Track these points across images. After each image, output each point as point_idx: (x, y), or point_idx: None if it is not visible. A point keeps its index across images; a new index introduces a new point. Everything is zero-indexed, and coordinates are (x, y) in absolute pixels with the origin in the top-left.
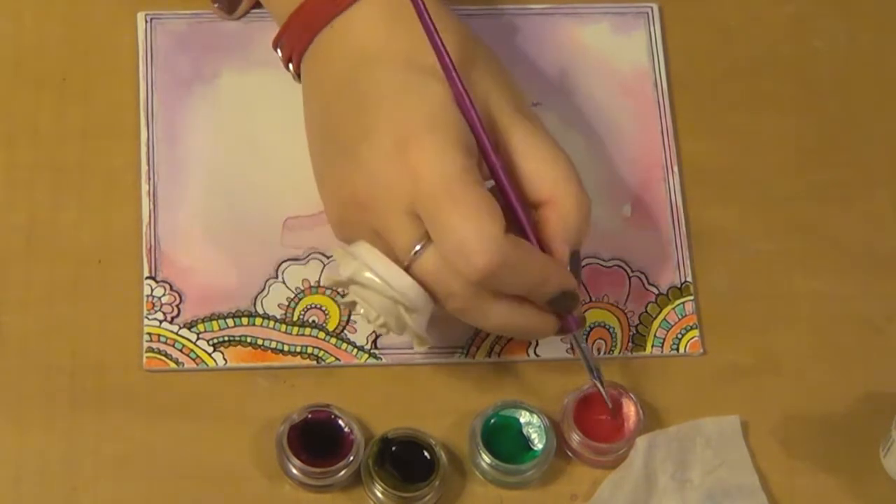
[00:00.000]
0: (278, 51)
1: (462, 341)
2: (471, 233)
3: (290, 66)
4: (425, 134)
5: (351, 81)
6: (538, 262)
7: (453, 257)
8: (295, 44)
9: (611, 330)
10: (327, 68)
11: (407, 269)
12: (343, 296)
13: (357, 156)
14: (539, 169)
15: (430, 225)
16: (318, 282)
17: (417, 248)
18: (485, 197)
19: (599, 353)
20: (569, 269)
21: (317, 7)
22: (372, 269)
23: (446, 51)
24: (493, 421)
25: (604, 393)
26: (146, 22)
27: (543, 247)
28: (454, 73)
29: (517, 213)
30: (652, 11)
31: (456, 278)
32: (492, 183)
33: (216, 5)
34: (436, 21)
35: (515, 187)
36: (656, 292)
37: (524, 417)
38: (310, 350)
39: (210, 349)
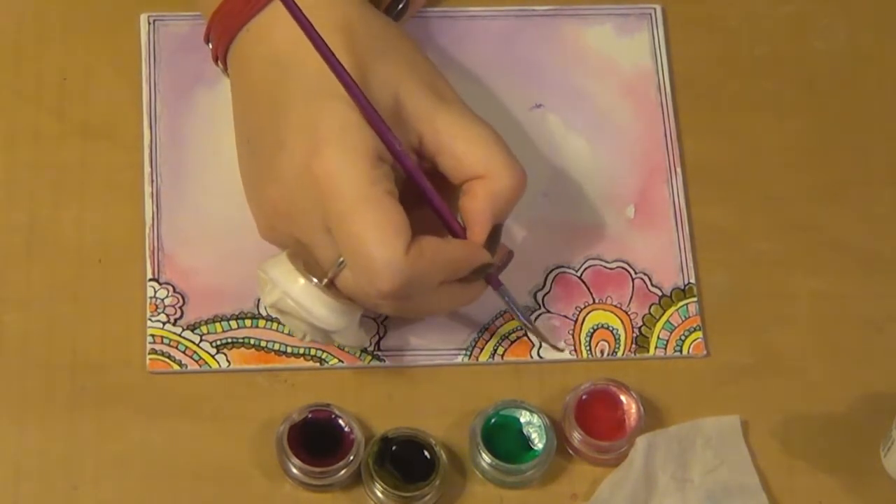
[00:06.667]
0: (209, 45)
1: (465, 344)
2: (373, 256)
3: (219, 62)
4: (330, 147)
5: (267, 87)
6: (448, 256)
7: (361, 280)
8: (218, 42)
9: (614, 332)
10: (246, 71)
11: (332, 281)
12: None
13: (273, 168)
14: (469, 149)
15: (339, 246)
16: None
17: (340, 260)
18: (388, 213)
19: (603, 355)
20: (485, 242)
21: (233, 8)
22: (291, 297)
23: (331, 52)
24: (493, 420)
25: (536, 333)
26: (149, 24)
27: (467, 220)
28: (344, 73)
29: (433, 202)
30: (655, 13)
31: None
32: None
33: None
34: (328, 17)
35: (426, 179)
36: (659, 294)
37: (524, 417)
38: (312, 352)
39: (213, 351)
